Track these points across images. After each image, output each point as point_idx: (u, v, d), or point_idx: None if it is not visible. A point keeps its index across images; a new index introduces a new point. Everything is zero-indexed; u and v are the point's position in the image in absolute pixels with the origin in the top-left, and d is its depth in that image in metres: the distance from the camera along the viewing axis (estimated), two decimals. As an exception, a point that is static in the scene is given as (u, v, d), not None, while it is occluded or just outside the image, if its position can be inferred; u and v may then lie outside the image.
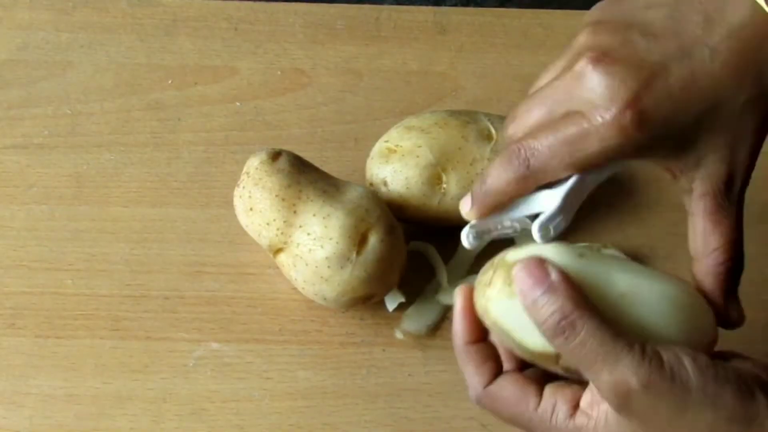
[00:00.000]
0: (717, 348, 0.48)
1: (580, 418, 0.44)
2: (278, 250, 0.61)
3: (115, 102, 0.74)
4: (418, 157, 0.64)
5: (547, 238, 0.47)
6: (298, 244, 0.60)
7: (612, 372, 0.42)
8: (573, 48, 0.49)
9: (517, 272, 0.43)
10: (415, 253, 0.66)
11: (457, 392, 0.62)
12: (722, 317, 0.49)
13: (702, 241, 0.48)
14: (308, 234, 0.60)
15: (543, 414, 0.45)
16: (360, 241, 0.60)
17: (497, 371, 0.46)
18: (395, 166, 0.64)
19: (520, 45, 0.78)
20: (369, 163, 0.66)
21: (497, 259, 0.45)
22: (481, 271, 0.46)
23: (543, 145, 0.46)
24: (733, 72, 0.45)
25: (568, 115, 0.46)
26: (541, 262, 0.43)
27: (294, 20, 0.79)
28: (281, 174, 0.61)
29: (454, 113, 0.66)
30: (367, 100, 0.75)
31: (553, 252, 0.44)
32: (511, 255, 0.45)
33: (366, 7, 0.79)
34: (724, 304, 0.49)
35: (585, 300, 0.43)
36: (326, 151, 0.71)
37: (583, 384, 0.44)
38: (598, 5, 0.50)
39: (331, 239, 0.59)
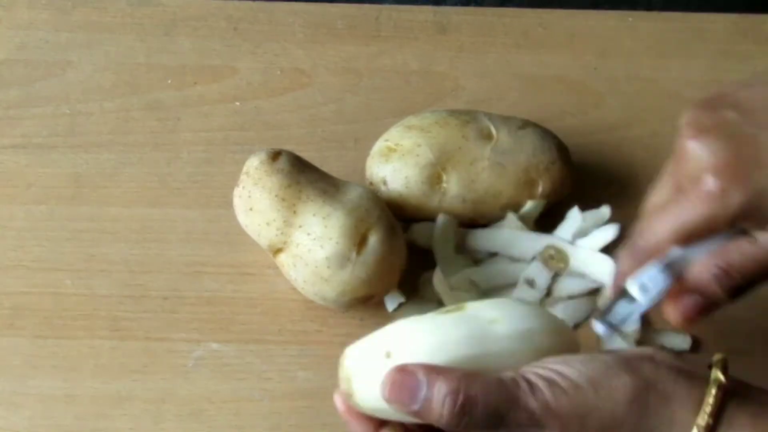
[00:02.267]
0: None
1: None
2: (278, 250, 0.61)
3: (115, 102, 0.74)
4: (418, 156, 0.64)
5: (648, 298, 0.50)
6: (298, 245, 0.60)
7: (517, 412, 0.43)
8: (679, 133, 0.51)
9: (389, 390, 0.45)
10: (414, 252, 0.66)
11: (457, 393, 0.62)
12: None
13: (746, 262, 0.49)
14: (308, 234, 0.59)
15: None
16: (360, 242, 0.60)
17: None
18: (395, 165, 0.64)
19: (520, 45, 0.78)
20: (369, 162, 0.66)
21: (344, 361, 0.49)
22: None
23: (653, 225, 0.50)
24: None
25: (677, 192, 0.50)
26: (402, 370, 0.44)
27: (294, 20, 0.78)
28: (281, 174, 0.61)
29: (454, 112, 0.66)
30: (367, 100, 0.75)
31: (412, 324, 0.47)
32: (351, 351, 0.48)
33: (366, 6, 0.79)
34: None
35: (458, 372, 0.44)
36: (326, 151, 0.70)
37: None
38: (693, 105, 0.52)
39: (330, 239, 0.59)
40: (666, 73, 0.76)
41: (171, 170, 0.71)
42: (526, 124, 0.66)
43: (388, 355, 0.46)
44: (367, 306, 0.64)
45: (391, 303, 0.64)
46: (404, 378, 0.44)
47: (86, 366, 0.62)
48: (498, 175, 0.64)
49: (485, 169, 0.64)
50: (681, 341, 0.63)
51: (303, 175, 0.61)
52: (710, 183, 0.47)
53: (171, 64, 0.76)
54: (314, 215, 0.60)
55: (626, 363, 0.44)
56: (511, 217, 0.65)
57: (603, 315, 0.50)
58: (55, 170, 0.70)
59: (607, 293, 0.54)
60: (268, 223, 0.60)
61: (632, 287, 0.50)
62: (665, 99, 0.75)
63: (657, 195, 0.53)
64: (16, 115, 0.73)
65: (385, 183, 0.64)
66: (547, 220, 0.66)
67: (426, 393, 0.44)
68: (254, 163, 0.61)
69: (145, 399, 0.61)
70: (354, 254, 0.59)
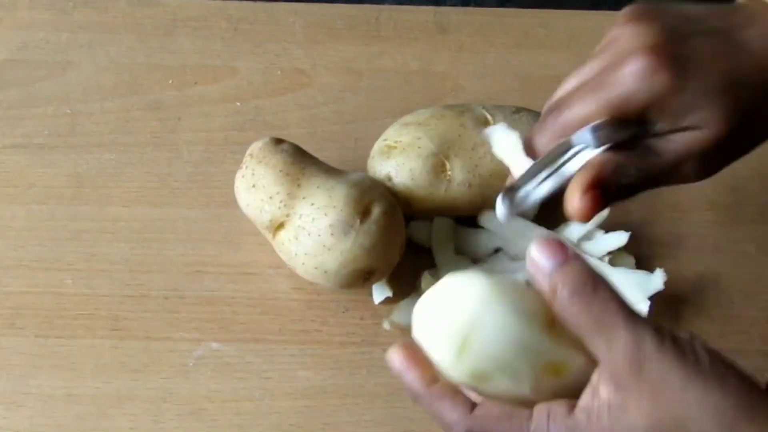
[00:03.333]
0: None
1: (579, 415, 0.43)
2: (279, 226, 0.61)
3: (115, 102, 0.74)
4: (419, 148, 0.64)
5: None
6: (301, 215, 0.60)
7: (628, 331, 0.41)
8: (613, 26, 0.51)
9: (534, 252, 0.42)
10: (413, 251, 0.66)
11: (457, 392, 0.62)
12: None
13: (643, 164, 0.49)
14: (312, 204, 0.60)
15: (539, 421, 0.43)
16: (363, 211, 0.60)
17: (468, 398, 0.45)
18: (398, 160, 0.64)
19: (520, 45, 0.78)
20: (370, 163, 0.66)
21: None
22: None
23: (573, 99, 0.49)
24: (753, 67, 0.47)
25: (601, 71, 0.49)
26: (555, 242, 0.42)
27: (294, 20, 0.79)
28: (285, 153, 0.62)
29: (448, 106, 0.67)
30: (367, 100, 0.75)
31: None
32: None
33: (366, 7, 0.79)
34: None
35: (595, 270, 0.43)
36: (326, 151, 0.70)
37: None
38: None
39: (335, 207, 0.59)
40: (666, 73, 0.76)
41: (171, 170, 0.71)
42: (519, 109, 0.67)
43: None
44: (367, 306, 0.64)
45: (378, 295, 0.64)
46: (555, 246, 0.42)
47: (87, 365, 0.63)
48: None
49: (487, 153, 0.64)
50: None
51: (306, 157, 0.63)
52: (641, 60, 0.47)
53: (171, 64, 0.76)
54: (318, 187, 0.60)
55: (748, 376, 0.42)
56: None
57: (510, 193, 0.49)
58: (56, 170, 0.70)
59: (515, 172, 0.51)
60: (271, 197, 0.61)
61: (579, 139, 0.48)
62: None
63: (576, 78, 0.51)
64: (17, 115, 0.73)
65: (390, 179, 0.64)
66: (548, 214, 0.66)
67: (561, 266, 0.42)
68: (258, 145, 0.63)
69: (146, 398, 0.61)
70: (357, 222, 0.59)
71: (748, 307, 0.66)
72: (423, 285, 0.65)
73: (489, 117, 0.66)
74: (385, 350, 0.63)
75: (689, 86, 0.47)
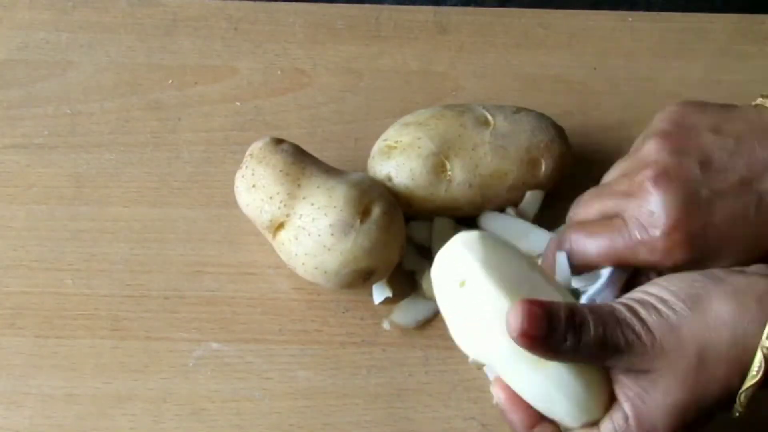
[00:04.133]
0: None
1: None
2: (279, 226, 0.61)
3: (115, 102, 0.74)
4: (419, 148, 0.64)
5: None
6: (301, 215, 0.60)
7: (626, 335, 0.45)
8: (640, 153, 0.54)
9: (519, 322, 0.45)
10: (413, 250, 0.66)
11: (457, 392, 0.62)
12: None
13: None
14: (312, 204, 0.60)
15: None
16: (363, 211, 0.60)
17: None
18: (398, 161, 0.64)
19: (520, 45, 0.78)
20: (370, 163, 0.66)
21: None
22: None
23: (592, 240, 0.54)
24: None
25: (619, 220, 0.53)
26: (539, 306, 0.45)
27: (294, 20, 0.79)
28: (285, 153, 0.62)
29: (449, 106, 0.67)
30: (367, 100, 0.75)
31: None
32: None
33: (366, 7, 0.79)
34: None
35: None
36: (326, 151, 0.70)
37: None
38: (672, 109, 0.55)
39: (335, 207, 0.59)
40: (665, 74, 0.76)
41: (171, 170, 0.71)
42: (519, 109, 0.67)
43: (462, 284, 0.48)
44: (367, 306, 0.64)
45: (378, 295, 0.64)
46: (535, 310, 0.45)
47: (87, 365, 0.63)
48: (501, 157, 0.64)
49: (487, 153, 0.64)
50: None
51: (306, 157, 0.63)
52: (659, 240, 0.50)
53: (171, 64, 0.76)
54: (318, 187, 0.60)
55: (717, 277, 0.46)
56: (509, 212, 0.65)
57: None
58: (56, 170, 0.70)
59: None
60: (271, 197, 0.61)
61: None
62: (665, 99, 0.74)
63: (588, 211, 0.56)
64: (16, 115, 0.73)
65: (390, 179, 0.64)
66: (548, 214, 0.66)
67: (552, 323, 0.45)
68: (258, 145, 0.63)
69: (146, 398, 0.61)
70: (357, 222, 0.59)
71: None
72: (423, 285, 0.65)
73: (489, 117, 0.65)
74: (384, 350, 0.64)
75: (707, 261, 0.50)
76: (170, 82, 0.75)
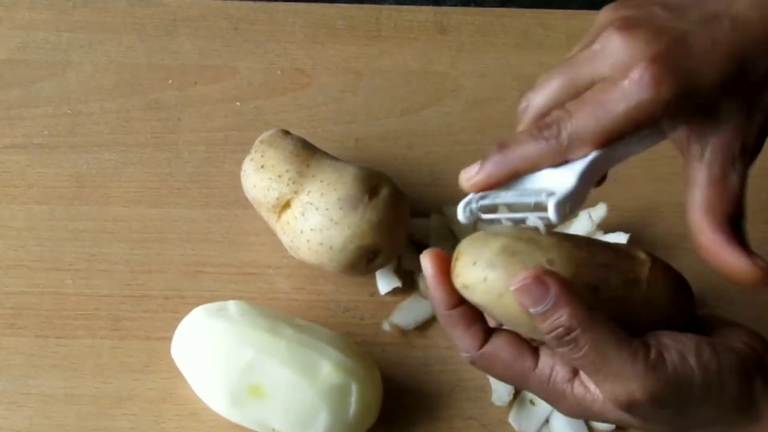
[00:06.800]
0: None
1: (578, 388, 0.44)
2: (285, 205, 0.61)
3: (115, 102, 0.74)
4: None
5: (562, 217, 0.44)
6: (309, 192, 0.60)
7: (615, 384, 0.42)
8: (594, 26, 0.49)
9: (518, 290, 0.43)
10: (411, 249, 0.66)
11: (457, 392, 0.62)
12: (749, 273, 0.47)
13: (706, 209, 0.46)
14: (321, 181, 0.61)
15: (541, 374, 0.45)
16: (372, 190, 0.61)
17: (486, 330, 0.46)
18: None
19: (520, 45, 0.78)
20: None
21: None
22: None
23: (572, 115, 0.46)
24: (754, 40, 0.45)
25: (594, 83, 0.46)
26: (539, 279, 0.42)
27: (294, 20, 0.79)
28: (295, 140, 0.63)
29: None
30: (367, 100, 0.75)
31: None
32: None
33: (366, 7, 0.79)
34: (747, 257, 0.47)
35: (586, 311, 0.42)
36: (326, 151, 0.71)
37: None
38: None
39: (345, 183, 0.60)
40: (666, 73, 0.76)
41: (172, 170, 0.71)
42: None
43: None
44: (367, 305, 0.64)
45: (384, 286, 0.64)
46: (538, 286, 0.43)
47: (87, 365, 0.63)
48: None
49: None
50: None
51: (314, 147, 0.64)
52: (643, 72, 0.45)
53: (171, 64, 0.76)
54: (328, 166, 0.61)
55: (745, 371, 0.44)
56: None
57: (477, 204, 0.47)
58: (56, 170, 0.70)
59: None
60: (280, 175, 0.61)
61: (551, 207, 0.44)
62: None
63: (557, 81, 0.48)
64: (16, 115, 0.73)
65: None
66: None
67: (542, 313, 0.42)
68: (269, 132, 0.64)
69: (146, 398, 0.61)
70: (366, 198, 0.60)
71: (748, 307, 0.66)
72: (422, 285, 0.65)
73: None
74: (384, 350, 0.64)
75: (699, 85, 0.45)
76: (170, 82, 0.75)
